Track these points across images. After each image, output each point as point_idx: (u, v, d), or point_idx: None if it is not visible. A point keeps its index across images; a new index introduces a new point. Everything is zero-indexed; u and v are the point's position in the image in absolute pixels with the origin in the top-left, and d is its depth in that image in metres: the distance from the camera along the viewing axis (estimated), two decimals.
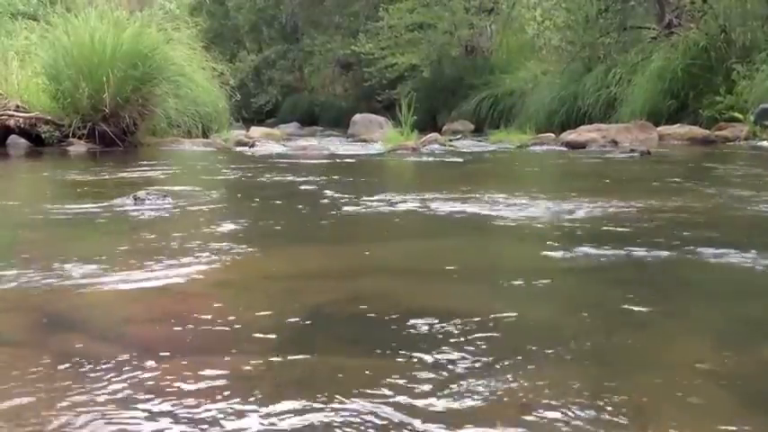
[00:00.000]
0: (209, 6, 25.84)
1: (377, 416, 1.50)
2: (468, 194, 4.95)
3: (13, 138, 10.11)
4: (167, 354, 1.86)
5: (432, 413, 1.52)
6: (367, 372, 1.74)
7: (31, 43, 11.57)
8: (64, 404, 1.56)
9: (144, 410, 1.52)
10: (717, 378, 1.72)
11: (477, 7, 20.44)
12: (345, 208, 4.52)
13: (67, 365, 1.78)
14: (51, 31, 10.85)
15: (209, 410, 1.52)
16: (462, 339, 1.94)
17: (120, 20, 10.59)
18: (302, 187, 5.79)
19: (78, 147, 9.89)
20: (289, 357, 1.83)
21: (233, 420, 1.48)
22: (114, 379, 1.69)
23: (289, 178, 6.66)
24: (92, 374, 1.72)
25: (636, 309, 2.27)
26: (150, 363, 1.79)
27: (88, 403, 1.56)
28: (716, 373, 1.76)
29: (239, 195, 5.51)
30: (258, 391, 1.61)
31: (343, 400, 1.57)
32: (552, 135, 12.22)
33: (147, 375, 1.71)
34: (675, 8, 14.40)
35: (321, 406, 1.54)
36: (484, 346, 1.90)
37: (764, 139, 10.30)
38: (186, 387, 1.64)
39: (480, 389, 1.64)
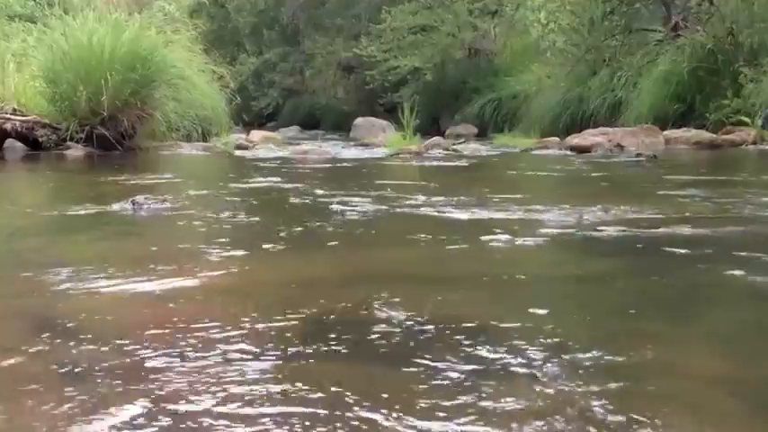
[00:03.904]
0: (208, 8, 25.75)
1: (376, 424, 1.49)
2: (471, 199, 4.94)
3: (9, 142, 10.04)
4: (165, 360, 1.85)
5: (432, 419, 1.51)
6: (368, 378, 1.74)
7: (29, 46, 11.46)
8: (62, 411, 1.55)
9: (142, 416, 1.52)
10: (729, 386, 1.70)
11: (480, 9, 20.37)
12: (347, 213, 4.50)
13: (65, 372, 1.77)
14: (49, 33, 10.76)
15: (208, 416, 1.52)
16: (466, 346, 1.93)
17: (119, 22, 10.49)
18: (303, 192, 5.72)
19: (76, 151, 9.78)
20: (289, 364, 1.83)
21: (232, 426, 1.48)
22: (112, 384, 1.68)
23: (289, 183, 6.60)
24: (89, 380, 1.72)
25: (646, 317, 2.26)
26: (147, 369, 1.78)
27: (85, 409, 1.55)
28: (728, 381, 1.74)
29: (238, 200, 5.43)
30: (258, 397, 1.61)
31: (344, 406, 1.57)
32: (557, 139, 12.17)
33: (144, 381, 1.71)
34: (682, 10, 14.31)
35: (321, 413, 1.54)
36: (489, 354, 1.88)
37: None
38: (184, 393, 1.64)
39: (483, 397, 1.62)
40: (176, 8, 16.15)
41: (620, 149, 10.42)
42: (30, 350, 1.97)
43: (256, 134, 14.99)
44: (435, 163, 9.30)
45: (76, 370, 1.78)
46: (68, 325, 2.18)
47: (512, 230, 3.73)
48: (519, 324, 2.15)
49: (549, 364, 1.81)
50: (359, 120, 17.25)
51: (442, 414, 1.53)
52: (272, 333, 2.06)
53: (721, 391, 1.67)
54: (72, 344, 1.99)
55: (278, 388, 1.66)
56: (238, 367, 1.78)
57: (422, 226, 4.00)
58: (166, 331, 2.08)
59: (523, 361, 1.83)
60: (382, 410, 1.54)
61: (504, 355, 1.87)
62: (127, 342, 1.98)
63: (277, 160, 9.75)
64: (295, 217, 4.47)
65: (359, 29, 24.05)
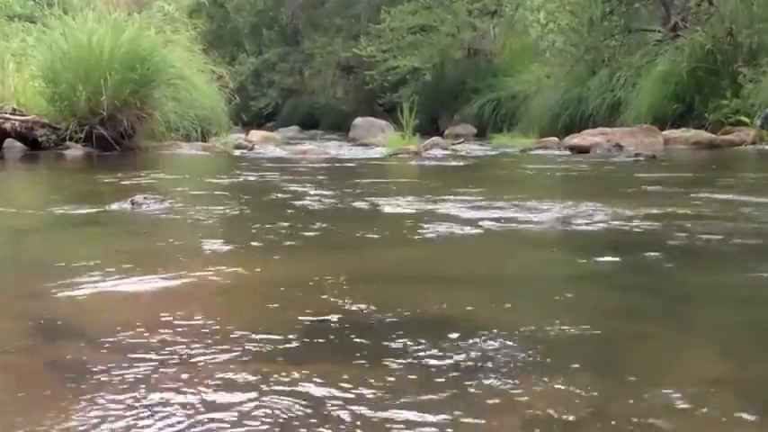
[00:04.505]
0: (208, 8, 25.73)
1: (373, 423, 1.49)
2: (469, 199, 4.93)
3: (9, 141, 10.04)
4: (163, 360, 1.84)
5: (431, 421, 1.50)
6: (365, 378, 1.72)
7: (28, 46, 11.45)
8: (59, 411, 1.55)
9: (139, 418, 1.51)
10: (728, 387, 1.70)
11: (479, 9, 20.35)
12: (345, 213, 4.51)
13: (64, 372, 1.77)
14: (48, 33, 10.75)
15: (205, 417, 1.52)
16: (462, 347, 1.92)
17: (118, 22, 10.48)
18: (301, 192, 5.72)
19: (75, 150, 9.78)
20: (287, 364, 1.81)
21: (231, 425, 1.48)
22: (110, 385, 1.68)
23: (288, 183, 6.60)
24: (87, 381, 1.71)
25: (643, 317, 2.26)
26: (146, 369, 1.78)
27: (83, 410, 1.55)
28: (727, 381, 1.74)
29: (238, 200, 5.43)
30: (255, 398, 1.61)
31: (342, 407, 1.56)
32: (556, 139, 12.17)
33: (142, 382, 1.70)
34: (681, 10, 14.30)
35: (319, 414, 1.53)
36: (484, 355, 1.87)
37: None
38: (182, 394, 1.63)
39: (480, 399, 1.62)
40: (175, 8, 16.16)
41: (619, 149, 10.43)
42: (29, 350, 1.97)
43: (255, 134, 15.00)
44: (434, 163, 9.31)
45: (76, 369, 1.78)
46: (68, 325, 2.18)
47: (508, 230, 3.74)
48: (515, 324, 2.14)
49: (544, 364, 1.81)
50: (358, 120, 17.23)
51: (436, 412, 1.53)
52: (271, 332, 2.05)
53: (719, 391, 1.67)
54: (71, 343, 1.99)
55: (276, 388, 1.66)
56: (237, 367, 1.78)
57: (419, 226, 4.00)
58: (166, 330, 2.07)
59: (518, 360, 1.83)
60: (379, 410, 1.55)
61: (500, 354, 1.87)
62: (126, 341, 1.98)
63: (276, 160, 9.75)
64: (293, 217, 4.47)
65: (358, 29, 24.01)
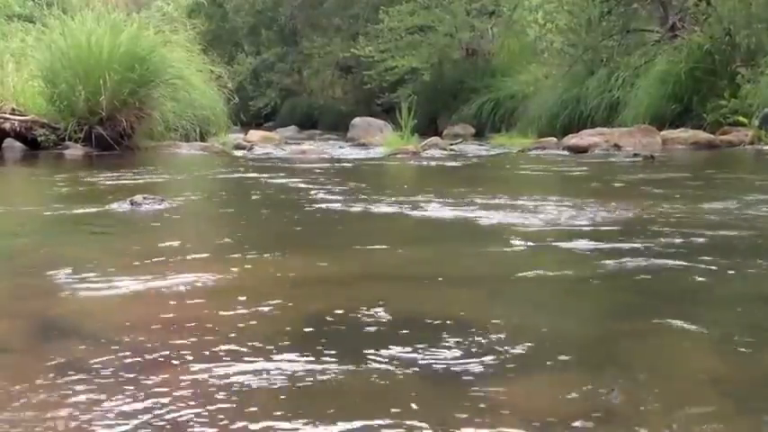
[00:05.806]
0: (207, 8, 25.76)
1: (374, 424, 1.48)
2: (468, 199, 4.94)
3: (8, 141, 10.04)
4: (164, 360, 1.85)
5: (430, 420, 1.50)
6: (365, 378, 1.72)
7: (27, 46, 11.47)
8: (59, 411, 1.55)
9: (139, 418, 1.51)
10: (723, 386, 1.70)
11: (478, 10, 20.38)
12: (344, 213, 4.50)
13: (63, 372, 1.76)
14: (48, 33, 10.76)
15: (206, 417, 1.52)
16: (461, 346, 1.92)
17: (117, 22, 10.49)
18: (301, 192, 5.73)
19: (75, 150, 9.79)
20: (287, 364, 1.81)
21: (232, 425, 1.48)
22: (110, 386, 1.68)
23: (287, 183, 6.61)
24: (88, 381, 1.71)
25: (640, 316, 2.26)
26: (146, 369, 1.78)
27: (83, 409, 1.55)
28: (722, 380, 1.74)
29: (237, 200, 5.45)
30: (255, 399, 1.61)
31: (342, 408, 1.56)
32: (554, 139, 12.17)
33: (142, 382, 1.70)
34: (679, 11, 14.31)
35: (318, 415, 1.52)
36: (483, 353, 1.88)
37: None
38: (182, 394, 1.63)
39: (479, 396, 1.62)
40: (174, 8, 16.20)
41: (617, 150, 10.44)
42: (29, 349, 1.98)
43: (254, 134, 15.01)
44: (433, 163, 9.31)
45: (76, 369, 1.78)
46: (68, 324, 2.18)
47: (506, 231, 3.74)
48: (513, 323, 2.15)
49: (540, 363, 1.82)
50: (356, 120, 17.25)
51: (434, 412, 1.54)
52: (270, 332, 2.06)
53: (714, 391, 1.68)
54: (71, 343, 1.99)
55: (275, 386, 1.67)
56: (237, 367, 1.78)
57: (417, 226, 4.02)
58: (165, 330, 2.08)
59: (516, 359, 1.84)
60: (381, 411, 1.55)
61: (500, 354, 1.87)
62: (126, 341, 1.99)
63: (275, 160, 9.75)
64: (292, 216, 4.48)
65: (356, 29, 24.05)
